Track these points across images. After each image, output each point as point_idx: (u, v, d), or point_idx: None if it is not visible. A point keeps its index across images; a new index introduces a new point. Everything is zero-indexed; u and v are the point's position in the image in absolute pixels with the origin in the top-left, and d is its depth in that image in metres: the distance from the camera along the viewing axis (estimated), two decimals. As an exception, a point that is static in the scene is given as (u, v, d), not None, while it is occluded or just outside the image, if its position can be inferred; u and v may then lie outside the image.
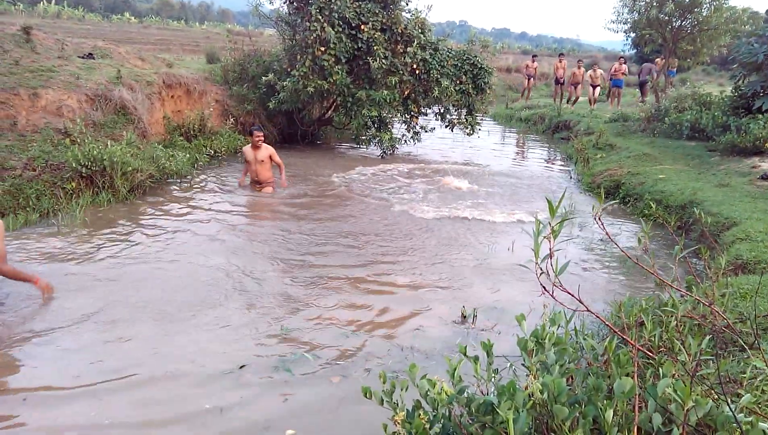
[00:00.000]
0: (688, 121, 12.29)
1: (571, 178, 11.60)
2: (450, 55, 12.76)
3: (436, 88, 12.35)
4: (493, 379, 2.09)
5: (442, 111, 13.63)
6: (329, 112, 14.00)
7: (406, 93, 12.49)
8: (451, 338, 4.54)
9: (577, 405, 1.81)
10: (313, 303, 5.09)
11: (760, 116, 10.55)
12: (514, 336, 2.18)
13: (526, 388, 1.87)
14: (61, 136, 8.04)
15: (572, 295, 2.16)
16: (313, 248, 6.54)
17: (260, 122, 12.97)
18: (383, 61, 11.65)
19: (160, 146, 9.46)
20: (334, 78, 11.51)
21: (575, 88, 21.24)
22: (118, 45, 12.88)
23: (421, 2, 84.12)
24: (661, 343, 2.61)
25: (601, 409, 1.74)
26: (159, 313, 4.73)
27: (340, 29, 11.47)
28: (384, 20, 11.90)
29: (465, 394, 1.94)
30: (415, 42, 12.06)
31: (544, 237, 2.05)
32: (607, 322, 2.29)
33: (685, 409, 1.69)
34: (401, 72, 12.04)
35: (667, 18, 16.46)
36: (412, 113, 12.93)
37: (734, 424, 1.70)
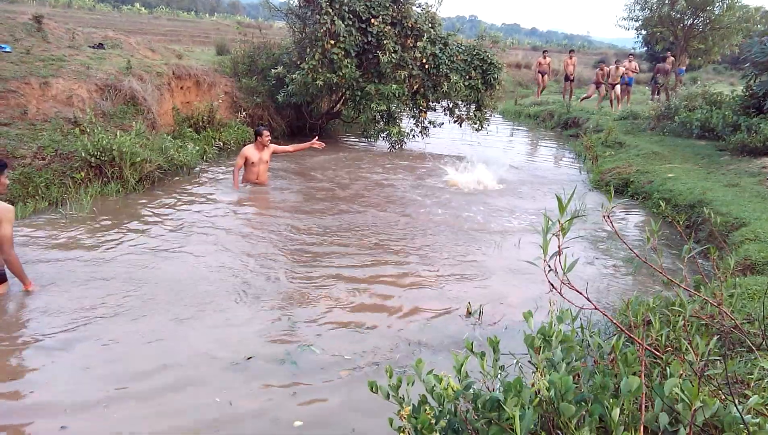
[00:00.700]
0: (698, 120, 12.23)
1: (580, 174, 11.56)
2: (460, 50, 12.71)
3: (445, 83, 12.32)
4: (499, 376, 2.08)
5: (450, 106, 13.59)
6: (338, 105, 13.99)
7: (415, 87, 12.46)
8: (458, 333, 4.54)
9: (583, 403, 1.81)
10: (321, 297, 5.09)
11: (772, 116, 10.48)
12: (521, 332, 2.18)
13: (533, 385, 1.87)
14: (71, 125, 8.07)
15: (580, 293, 2.16)
16: (321, 242, 6.54)
17: (269, 115, 12.98)
18: (393, 55, 11.63)
19: (169, 137, 9.49)
20: (344, 71, 11.49)
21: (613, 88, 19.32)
22: (128, 35, 12.90)
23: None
24: (668, 343, 2.60)
25: (607, 407, 1.73)
26: (166, 306, 4.75)
27: (350, 22, 11.45)
28: (394, 14, 11.86)
29: (471, 390, 1.93)
30: (425, 36, 12.02)
31: (553, 234, 2.05)
32: (614, 321, 2.28)
33: (692, 409, 1.69)
34: (410, 66, 12.01)
35: (678, 16, 16.38)
36: (420, 108, 12.90)
37: (741, 425, 1.70)
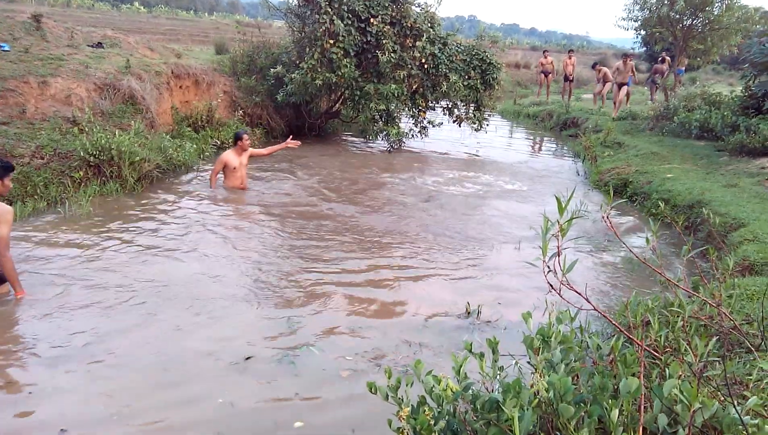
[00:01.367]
0: (697, 121, 12.23)
1: (578, 175, 11.57)
2: (459, 50, 12.73)
3: (444, 83, 12.33)
4: (498, 377, 2.08)
5: (449, 106, 13.59)
6: (337, 105, 13.98)
7: (414, 87, 12.46)
8: (457, 334, 4.54)
9: (582, 404, 1.81)
10: (320, 298, 5.09)
11: (771, 117, 10.49)
12: (520, 333, 2.18)
13: (532, 386, 1.87)
14: (70, 124, 8.05)
15: (579, 294, 2.16)
16: (319, 243, 6.54)
17: (268, 114, 12.99)
18: (392, 54, 11.62)
19: (168, 136, 9.48)
20: (343, 71, 11.48)
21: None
22: (127, 34, 12.90)
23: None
24: (667, 344, 2.60)
25: (606, 408, 1.74)
26: (164, 306, 4.75)
27: (350, 22, 11.44)
28: (393, 14, 11.86)
29: (470, 391, 1.93)
30: (425, 36, 12.03)
31: (552, 235, 2.04)
32: (613, 321, 2.28)
33: (691, 410, 1.69)
34: (410, 66, 12.01)
35: (678, 16, 16.39)
36: (419, 108, 12.89)
37: (740, 427, 1.70)
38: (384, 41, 11.60)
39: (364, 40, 11.78)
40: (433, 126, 13.40)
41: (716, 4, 15.93)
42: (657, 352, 2.44)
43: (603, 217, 2.24)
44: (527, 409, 1.72)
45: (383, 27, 11.62)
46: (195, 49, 17.69)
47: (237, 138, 8.37)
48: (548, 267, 2.06)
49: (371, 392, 2.04)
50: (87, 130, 7.97)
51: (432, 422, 1.89)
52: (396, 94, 11.97)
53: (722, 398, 2.06)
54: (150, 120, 9.42)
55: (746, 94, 11.83)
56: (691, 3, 15.80)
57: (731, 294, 3.68)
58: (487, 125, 13.90)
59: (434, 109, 13.71)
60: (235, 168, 8.33)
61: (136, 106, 9.27)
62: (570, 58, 21.23)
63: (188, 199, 7.86)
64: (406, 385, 2.04)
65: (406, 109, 12.94)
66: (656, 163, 10.15)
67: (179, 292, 4.99)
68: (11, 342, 4.06)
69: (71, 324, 4.32)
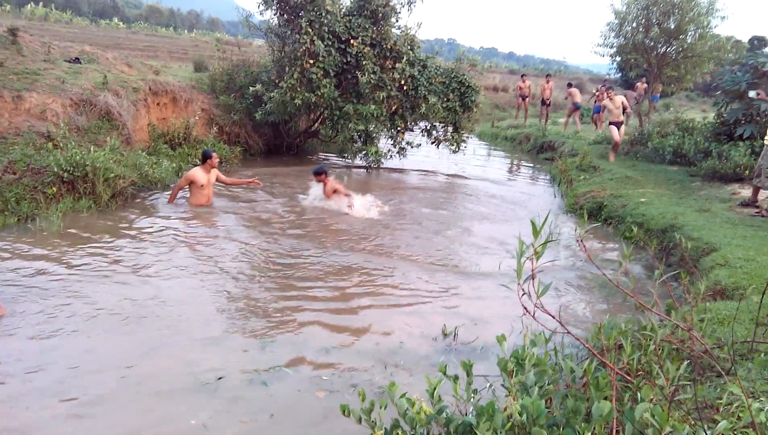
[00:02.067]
0: (671, 146, 12.48)
1: (554, 197, 11.68)
2: (438, 72, 12.86)
3: (423, 105, 12.42)
4: (472, 399, 2.08)
5: (428, 127, 13.69)
6: (316, 124, 14.00)
7: (393, 108, 12.53)
8: (434, 356, 4.53)
9: (555, 427, 1.81)
10: (295, 319, 5.04)
11: (741, 143, 10.75)
12: (495, 355, 2.17)
13: (505, 409, 1.87)
14: (44, 140, 7.95)
15: (553, 317, 2.17)
16: (295, 263, 6.50)
17: (246, 132, 12.97)
18: (372, 75, 11.70)
19: (144, 153, 9.40)
20: (322, 91, 11.52)
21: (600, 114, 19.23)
22: (106, 50, 12.83)
23: (411, 19, 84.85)
24: (639, 367, 2.62)
25: (579, 432, 1.74)
26: (135, 325, 4.67)
27: (330, 43, 11.51)
28: (374, 35, 11.97)
29: (444, 414, 1.92)
30: (404, 58, 12.14)
31: (527, 258, 2.06)
32: (586, 345, 2.29)
33: (663, 433, 1.70)
34: (389, 87, 12.09)
35: (652, 44, 16.71)
36: (398, 128, 12.96)
37: (711, 451, 1.71)
38: (364, 62, 11.68)
39: (344, 60, 11.85)
40: (412, 147, 13.47)
41: (690, 33, 16.29)
42: (629, 375, 2.46)
43: (577, 240, 2.26)
44: (500, 432, 1.71)
45: (363, 48, 11.71)
46: (173, 66, 17.62)
47: (206, 156, 8.43)
48: (523, 289, 2.07)
49: (344, 415, 2.02)
50: (62, 145, 7.87)
51: (405, 446, 1.88)
52: (375, 115, 12.02)
53: (693, 422, 2.08)
54: (126, 136, 9.35)
55: (718, 120, 12.11)
56: (666, 31, 16.14)
57: (703, 318, 3.73)
58: (465, 147, 14.00)
59: (413, 131, 13.78)
60: (202, 185, 8.34)
61: (112, 123, 9.20)
62: (548, 82, 21.58)
63: (161, 217, 7.77)
64: (381, 408, 2.02)
65: (385, 129, 12.98)
66: (630, 187, 10.30)
67: (150, 311, 4.91)
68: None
69: (36, 343, 4.22)
